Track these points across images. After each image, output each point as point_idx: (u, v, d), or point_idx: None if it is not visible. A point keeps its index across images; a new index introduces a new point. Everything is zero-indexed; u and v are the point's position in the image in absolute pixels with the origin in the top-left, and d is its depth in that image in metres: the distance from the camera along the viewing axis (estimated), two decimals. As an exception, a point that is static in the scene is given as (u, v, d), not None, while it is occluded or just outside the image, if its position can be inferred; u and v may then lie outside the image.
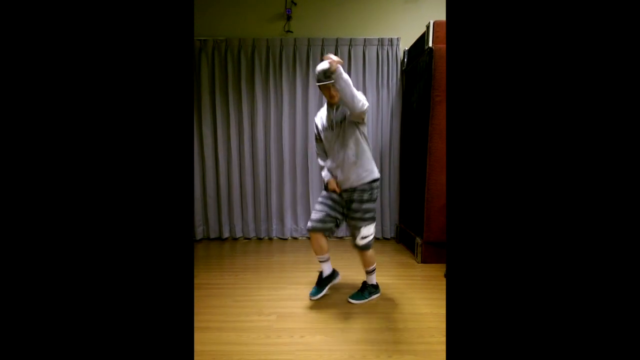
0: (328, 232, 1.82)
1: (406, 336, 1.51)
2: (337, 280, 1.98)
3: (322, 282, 1.91)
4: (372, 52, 2.94)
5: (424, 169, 2.42)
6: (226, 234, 3.15)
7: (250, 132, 3.07)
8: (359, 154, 1.71)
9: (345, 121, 1.69)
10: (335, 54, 2.93)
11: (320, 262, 1.90)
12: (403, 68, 2.98)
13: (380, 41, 2.92)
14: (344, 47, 2.94)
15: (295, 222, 3.17)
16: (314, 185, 3.09)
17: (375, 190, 1.77)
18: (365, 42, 2.93)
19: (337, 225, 1.84)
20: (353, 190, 1.75)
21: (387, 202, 3.08)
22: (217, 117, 3.00)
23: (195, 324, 1.62)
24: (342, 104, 1.71)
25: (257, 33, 3.00)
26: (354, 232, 1.79)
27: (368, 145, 1.77)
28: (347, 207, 1.81)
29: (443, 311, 1.74)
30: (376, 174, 1.78)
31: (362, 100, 1.59)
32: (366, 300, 1.86)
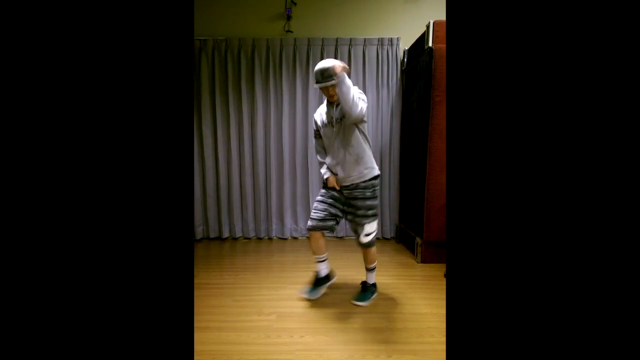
0: (329, 230, 1.82)
1: (406, 336, 1.51)
2: (331, 282, 1.98)
3: (317, 282, 1.91)
4: (372, 52, 2.94)
5: (423, 168, 2.41)
6: (226, 234, 3.15)
7: (250, 132, 3.06)
8: (359, 152, 1.71)
9: (345, 118, 1.68)
10: (335, 54, 2.93)
11: (318, 262, 1.89)
12: (403, 68, 2.97)
13: (380, 41, 2.92)
14: (344, 47, 2.94)
15: (295, 222, 3.17)
16: (314, 185, 3.08)
17: (377, 187, 1.78)
18: (365, 42, 2.92)
19: (337, 223, 1.84)
20: (355, 187, 1.75)
21: (387, 202, 3.08)
22: (217, 117, 2.99)
23: (195, 324, 1.62)
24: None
25: (257, 33, 3.00)
26: (356, 229, 1.79)
27: (368, 142, 1.76)
28: (347, 204, 1.80)
29: (443, 311, 1.74)
30: (377, 170, 1.78)
31: (360, 105, 1.58)
32: (371, 300, 1.86)
